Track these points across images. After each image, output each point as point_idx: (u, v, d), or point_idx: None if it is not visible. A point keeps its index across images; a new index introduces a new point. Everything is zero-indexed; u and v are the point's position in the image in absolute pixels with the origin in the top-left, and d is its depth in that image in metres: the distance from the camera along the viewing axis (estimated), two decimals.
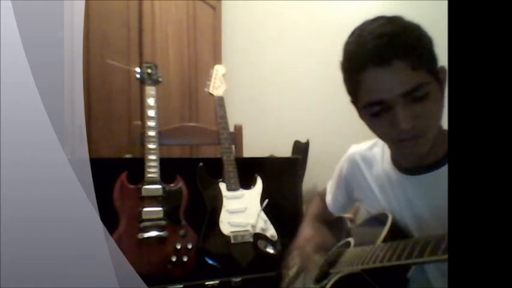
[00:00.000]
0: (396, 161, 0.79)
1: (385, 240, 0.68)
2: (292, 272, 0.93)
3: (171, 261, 1.09)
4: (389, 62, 0.63)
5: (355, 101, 0.73)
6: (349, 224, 0.96)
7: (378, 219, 0.76)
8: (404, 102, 0.64)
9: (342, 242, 0.85)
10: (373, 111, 0.68)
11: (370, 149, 0.88)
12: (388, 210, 0.76)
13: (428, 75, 0.65)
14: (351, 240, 0.81)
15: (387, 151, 0.83)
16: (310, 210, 1.07)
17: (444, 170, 0.71)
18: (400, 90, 0.63)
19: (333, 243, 0.89)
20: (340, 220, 1.01)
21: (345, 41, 0.70)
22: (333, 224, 1.01)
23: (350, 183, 0.93)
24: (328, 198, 1.02)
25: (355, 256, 0.70)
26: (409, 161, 0.76)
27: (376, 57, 0.63)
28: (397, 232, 0.71)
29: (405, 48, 0.63)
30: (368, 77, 0.65)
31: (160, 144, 1.21)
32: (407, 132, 0.65)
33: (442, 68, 0.69)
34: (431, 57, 0.67)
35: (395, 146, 0.74)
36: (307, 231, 0.97)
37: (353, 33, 0.69)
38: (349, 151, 0.94)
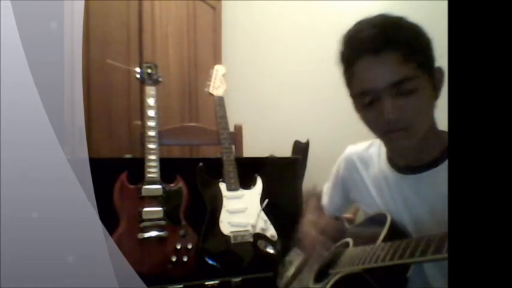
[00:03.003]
0: (392, 160, 0.80)
1: (384, 240, 0.68)
2: (290, 272, 0.93)
3: (171, 261, 1.09)
4: (381, 51, 0.65)
5: (350, 92, 0.74)
6: (346, 225, 0.96)
7: (377, 220, 0.76)
8: (393, 93, 0.66)
9: (340, 242, 0.85)
10: (364, 101, 0.70)
11: (367, 149, 0.89)
12: (386, 211, 0.76)
13: (421, 71, 0.66)
14: (349, 240, 0.81)
15: (384, 151, 0.83)
16: (309, 209, 1.07)
17: (439, 169, 0.71)
18: (389, 80, 0.65)
19: (338, 230, 0.88)
20: (338, 220, 1.00)
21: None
22: (331, 226, 1.00)
23: (347, 183, 0.93)
24: (325, 200, 1.02)
25: (356, 256, 0.70)
26: (402, 158, 0.76)
27: (369, 45, 0.66)
28: (396, 232, 0.71)
29: (398, 40, 0.65)
30: (361, 65, 0.68)
31: (160, 144, 1.21)
32: (394, 123, 0.67)
33: (439, 68, 0.70)
34: (427, 55, 0.69)
35: (384, 139, 0.75)
36: (310, 218, 0.97)
37: (353, 25, 0.71)
38: (345, 151, 0.94)
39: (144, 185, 1.13)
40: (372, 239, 0.70)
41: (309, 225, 0.92)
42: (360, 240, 0.78)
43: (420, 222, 0.73)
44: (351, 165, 0.90)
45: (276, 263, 1.08)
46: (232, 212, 1.20)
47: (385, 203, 0.80)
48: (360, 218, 0.93)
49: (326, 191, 1.02)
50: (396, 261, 0.56)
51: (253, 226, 1.20)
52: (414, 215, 0.75)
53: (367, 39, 0.66)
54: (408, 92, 0.66)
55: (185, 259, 1.11)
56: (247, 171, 1.29)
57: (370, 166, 0.85)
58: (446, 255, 0.47)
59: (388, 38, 0.65)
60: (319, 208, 1.04)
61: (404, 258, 0.55)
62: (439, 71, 0.71)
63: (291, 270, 0.93)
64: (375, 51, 0.65)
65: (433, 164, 0.72)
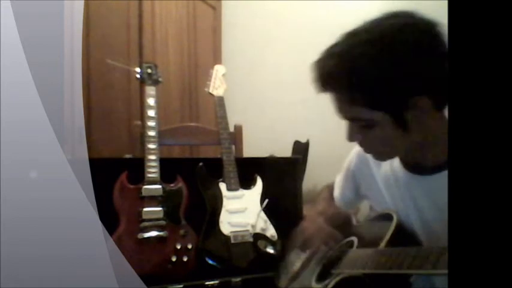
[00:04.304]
0: (404, 159, 0.79)
1: (389, 242, 0.67)
2: (296, 267, 0.92)
3: (171, 261, 1.09)
4: (332, 91, 0.69)
5: None
6: (354, 221, 0.95)
7: (383, 219, 0.75)
8: (350, 121, 0.70)
9: (344, 241, 0.84)
10: None
11: None
12: (394, 210, 0.76)
13: (377, 111, 0.65)
14: (354, 239, 0.81)
15: None
16: (319, 204, 1.06)
17: None
18: (342, 114, 0.70)
19: (346, 223, 0.89)
20: (346, 216, 0.99)
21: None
22: (338, 219, 1.00)
23: (357, 178, 0.92)
24: (336, 193, 1.01)
25: (358, 258, 0.69)
26: (413, 157, 0.76)
27: (322, 85, 0.69)
28: (402, 234, 0.70)
29: (341, 86, 0.66)
30: None
31: (160, 144, 1.21)
32: (358, 144, 0.74)
33: (423, 100, 0.63)
34: (385, 95, 0.63)
35: None
36: (318, 209, 0.98)
37: (320, 54, 0.71)
38: (358, 146, 0.93)
39: (144, 185, 1.13)
40: (377, 240, 0.69)
41: (317, 216, 0.92)
42: (364, 240, 0.78)
43: (429, 223, 0.73)
44: (362, 160, 0.89)
45: (276, 262, 1.07)
46: (232, 212, 1.20)
47: (395, 201, 0.79)
48: (361, 217, 0.92)
49: (338, 183, 1.02)
50: (396, 271, 0.56)
51: (253, 226, 1.20)
52: (423, 216, 0.74)
53: (319, 79, 0.69)
54: (363, 125, 0.68)
55: (185, 259, 1.11)
56: (247, 171, 1.29)
57: (382, 163, 0.84)
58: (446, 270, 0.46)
59: (334, 82, 0.66)
60: (331, 199, 1.04)
61: (405, 268, 0.54)
62: (421, 103, 0.63)
63: (291, 271, 0.93)
64: (329, 90, 0.69)
65: (444, 166, 0.70)
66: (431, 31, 0.64)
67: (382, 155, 0.76)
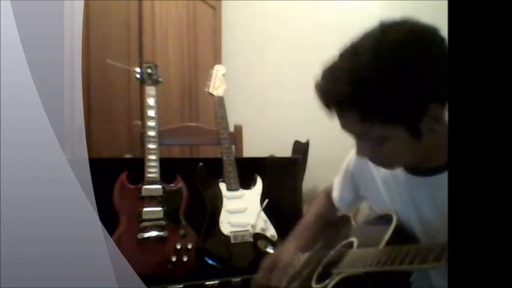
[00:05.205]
0: None
1: (389, 243, 0.67)
2: (296, 267, 0.92)
3: (171, 261, 1.09)
4: (339, 112, 0.68)
5: None
6: (353, 222, 0.95)
7: (382, 220, 0.75)
8: (359, 137, 0.69)
9: (344, 242, 0.84)
10: None
11: None
12: (393, 211, 0.76)
13: (389, 124, 0.64)
14: (354, 240, 0.81)
15: None
16: (311, 209, 1.06)
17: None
18: (351, 132, 0.69)
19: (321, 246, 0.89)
20: (344, 218, 1.00)
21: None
22: (337, 221, 1.00)
23: (356, 179, 0.92)
24: (335, 194, 1.01)
25: (358, 258, 0.69)
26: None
27: (328, 106, 0.68)
28: (401, 234, 0.70)
29: (351, 104, 0.64)
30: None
31: (160, 144, 1.21)
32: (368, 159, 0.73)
33: (433, 106, 0.63)
34: (397, 108, 0.62)
35: None
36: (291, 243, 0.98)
37: (320, 74, 0.69)
38: None
39: (144, 185, 1.13)
40: (377, 240, 0.69)
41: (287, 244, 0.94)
42: (364, 240, 0.77)
43: (428, 224, 0.73)
44: (361, 161, 0.89)
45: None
46: (232, 212, 1.20)
47: (393, 202, 0.79)
48: (360, 219, 0.92)
49: (336, 184, 1.02)
50: (396, 267, 0.56)
51: (253, 226, 1.20)
52: (422, 217, 0.74)
53: (326, 100, 0.68)
54: (375, 140, 0.67)
55: (185, 259, 1.11)
56: (247, 171, 1.29)
57: None
58: (445, 263, 0.46)
59: (344, 101, 0.64)
60: (323, 211, 1.04)
61: (405, 264, 0.54)
62: (436, 110, 0.63)
63: (291, 271, 0.93)
64: (337, 109, 0.68)
65: (445, 167, 0.70)
66: (436, 35, 0.63)
67: (392, 165, 0.75)
